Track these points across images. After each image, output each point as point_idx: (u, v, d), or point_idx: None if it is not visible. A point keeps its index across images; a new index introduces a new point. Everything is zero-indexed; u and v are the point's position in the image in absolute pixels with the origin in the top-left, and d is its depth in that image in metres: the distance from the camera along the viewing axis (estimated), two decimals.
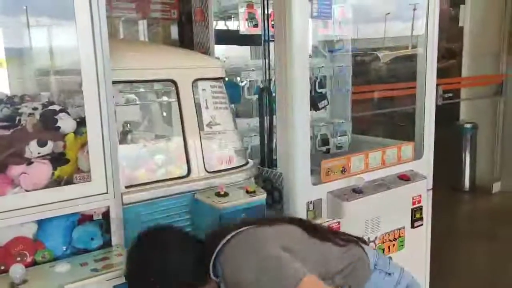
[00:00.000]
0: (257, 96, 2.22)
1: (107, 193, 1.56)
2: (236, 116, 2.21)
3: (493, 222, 4.11)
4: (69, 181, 1.49)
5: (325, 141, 2.66)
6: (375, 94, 3.93)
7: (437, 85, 2.55)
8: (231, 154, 1.92)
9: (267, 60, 2.07)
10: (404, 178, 2.22)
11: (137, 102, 1.96)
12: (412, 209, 2.27)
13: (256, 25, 2.50)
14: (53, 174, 1.47)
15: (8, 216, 1.38)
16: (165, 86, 2.00)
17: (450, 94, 4.51)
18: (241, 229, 1.28)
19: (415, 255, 2.33)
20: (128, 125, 1.88)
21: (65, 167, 1.49)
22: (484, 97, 4.90)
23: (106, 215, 1.57)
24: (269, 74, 2.07)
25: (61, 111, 1.53)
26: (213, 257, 1.23)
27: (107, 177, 1.55)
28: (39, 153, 1.44)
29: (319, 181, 1.97)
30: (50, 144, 1.46)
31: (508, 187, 4.82)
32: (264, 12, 2.09)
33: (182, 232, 1.45)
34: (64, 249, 1.49)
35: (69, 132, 1.51)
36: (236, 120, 2.06)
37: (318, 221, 1.84)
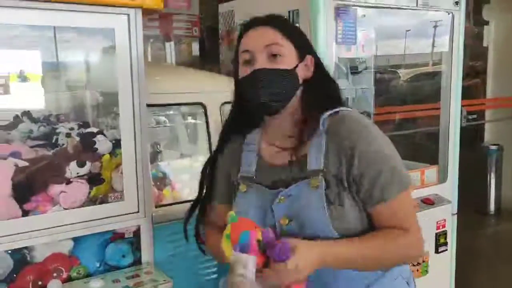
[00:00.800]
0: None
1: (138, 212, 1.62)
2: None
3: None
4: (104, 200, 1.57)
5: None
6: (397, 115, 3.93)
7: (461, 106, 2.55)
8: None
9: None
10: (428, 202, 2.23)
11: (167, 124, 2.04)
12: (436, 234, 2.26)
13: None
14: (89, 193, 1.54)
15: (48, 233, 1.45)
16: (193, 108, 2.08)
17: (474, 116, 4.46)
18: None
19: (440, 280, 2.31)
20: (158, 146, 1.95)
21: (100, 187, 1.56)
22: (510, 119, 4.83)
23: (136, 233, 1.63)
24: None
25: (98, 133, 1.61)
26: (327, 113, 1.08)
27: (139, 197, 1.61)
28: (78, 173, 1.52)
29: None
30: (88, 164, 1.54)
31: None
32: None
33: None
34: (98, 266, 1.55)
35: (105, 153, 1.59)
36: None
37: None
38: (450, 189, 2.39)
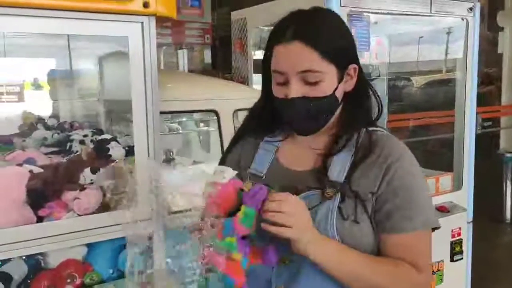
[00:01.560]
0: None
1: (151, 219, 1.62)
2: None
3: None
4: (117, 207, 1.57)
5: None
6: (410, 122, 3.89)
7: (477, 113, 2.52)
8: None
9: None
10: (443, 210, 2.20)
11: (180, 131, 2.05)
12: (451, 242, 2.23)
13: None
14: (103, 199, 1.55)
15: (62, 239, 1.45)
16: (206, 115, 2.09)
17: (490, 123, 4.40)
18: None
19: None
20: (171, 153, 1.96)
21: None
22: None
23: (149, 239, 1.63)
24: None
25: (112, 139, 1.63)
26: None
27: (151, 204, 1.61)
28: (91, 179, 1.53)
29: None
30: (101, 171, 1.54)
31: None
32: None
33: None
34: (111, 272, 1.55)
35: (118, 160, 1.59)
36: None
37: None
38: (465, 197, 2.36)
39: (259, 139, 1.12)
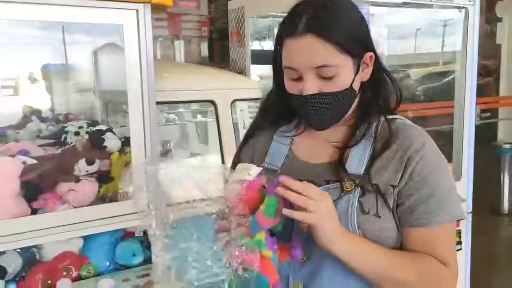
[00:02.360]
0: None
1: (146, 212, 1.60)
2: None
3: None
4: (113, 199, 1.54)
5: None
6: (409, 114, 3.88)
7: (476, 104, 2.50)
8: None
9: None
10: None
11: (177, 122, 2.02)
12: None
13: None
14: (98, 191, 1.52)
15: (57, 232, 1.43)
16: (203, 106, 2.06)
17: (488, 114, 4.39)
18: None
19: None
20: (168, 144, 1.93)
21: (110, 185, 1.54)
22: None
23: (147, 232, 1.61)
24: None
25: (107, 130, 1.60)
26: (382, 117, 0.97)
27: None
28: (87, 171, 1.50)
29: None
30: (97, 162, 1.52)
31: None
32: None
33: None
34: (108, 265, 1.54)
35: (114, 151, 1.57)
36: None
37: None
38: (464, 188, 2.34)
39: (273, 132, 1.06)
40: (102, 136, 1.56)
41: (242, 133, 1.91)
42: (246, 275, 0.81)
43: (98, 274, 1.51)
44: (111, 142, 1.56)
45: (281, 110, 1.03)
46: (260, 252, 0.81)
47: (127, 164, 1.59)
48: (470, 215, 2.35)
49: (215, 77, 2.02)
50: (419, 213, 0.89)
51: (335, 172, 0.93)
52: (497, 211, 4.73)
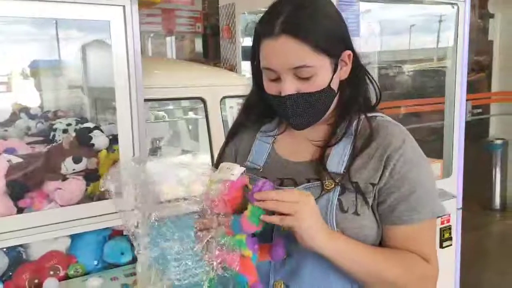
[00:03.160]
0: None
1: (134, 209, 1.59)
2: None
3: None
4: (101, 197, 1.53)
5: None
6: (401, 110, 3.89)
7: (466, 100, 2.50)
8: None
9: None
10: None
11: (166, 119, 2.00)
12: (440, 229, 2.22)
13: None
14: (86, 189, 1.51)
15: (43, 231, 1.42)
16: (193, 103, 2.05)
17: (479, 110, 4.41)
18: None
19: (444, 276, 2.26)
20: (158, 141, 1.92)
21: (97, 183, 1.53)
22: None
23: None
24: None
25: (95, 128, 1.58)
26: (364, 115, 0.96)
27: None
28: (74, 169, 1.49)
29: None
30: (84, 160, 1.51)
31: None
32: None
33: None
34: (96, 264, 1.52)
35: (102, 149, 1.56)
36: None
37: None
38: (455, 184, 2.35)
39: (256, 131, 1.06)
40: (90, 134, 1.55)
41: None
42: (226, 274, 0.80)
43: (86, 273, 1.50)
44: (99, 140, 1.55)
45: (262, 109, 1.03)
46: (240, 251, 0.81)
47: (115, 162, 1.58)
48: (461, 211, 2.36)
49: (205, 74, 2.00)
50: (400, 211, 0.89)
51: (316, 170, 0.93)
52: (489, 207, 4.76)
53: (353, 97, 0.96)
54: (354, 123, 0.94)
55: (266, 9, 0.92)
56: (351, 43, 0.94)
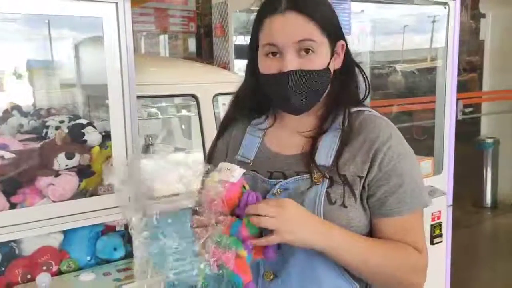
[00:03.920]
0: None
1: (127, 205, 1.60)
2: None
3: None
4: (94, 193, 1.54)
5: None
6: (393, 109, 3.92)
7: (458, 99, 2.53)
8: None
9: None
10: None
11: (159, 116, 2.01)
12: (431, 225, 2.25)
13: None
14: (79, 185, 1.52)
15: (36, 226, 1.42)
16: (186, 100, 2.06)
17: (471, 109, 4.46)
18: None
19: (435, 272, 2.30)
20: (150, 138, 1.93)
21: (90, 179, 1.54)
22: (506, 112, 4.83)
23: (128, 226, 1.61)
24: None
25: (88, 124, 1.59)
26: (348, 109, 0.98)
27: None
28: (66, 165, 1.49)
29: None
30: (77, 156, 1.51)
31: None
32: None
33: None
34: (88, 259, 1.53)
35: (95, 145, 1.56)
36: None
37: None
38: (445, 181, 2.38)
39: (246, 125, 1.07)
40: (82, 130, 1.55)
41: None
42: (220, 272, 0.81)
43: (79, 269, 1.50)
44: (91, 136, 1.56)
45: (253, 102, 1.04)
46: (236, 251, 0.82)
47: (108, 158, 1.59)
48: (451, 207, 2.39)
49: (197, 72, 2.02)
50: (390, 203, 0.91)
51: (305, 163, 0.94)
52: (480, 205, 4.81)
53: (343, 89, 0.98)
54: (342, 116, 0.96)
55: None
56: (344, 36, 0.97)
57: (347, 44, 0.98)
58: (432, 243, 2.26)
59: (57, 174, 1.49)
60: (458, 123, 2.54)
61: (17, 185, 1.44)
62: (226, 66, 2.46)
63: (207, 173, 0.89)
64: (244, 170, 0.88)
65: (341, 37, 0.96)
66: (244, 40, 2.84)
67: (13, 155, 1.43)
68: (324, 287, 0.91)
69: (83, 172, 1.54)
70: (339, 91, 0.98)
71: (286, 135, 1.02)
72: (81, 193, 1.53)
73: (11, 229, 1.39)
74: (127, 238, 1.61)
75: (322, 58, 0.92)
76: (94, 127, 1.61)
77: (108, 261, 1.56)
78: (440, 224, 2.29)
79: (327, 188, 0.91)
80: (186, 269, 0.86)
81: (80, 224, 1.51)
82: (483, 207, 4.81)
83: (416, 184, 0.94)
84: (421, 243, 0.94)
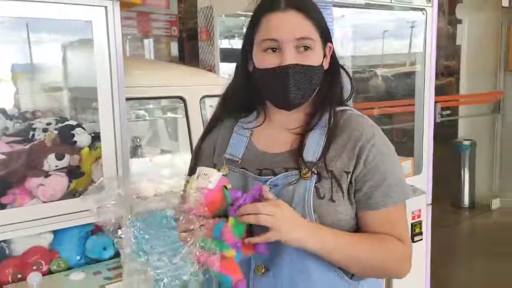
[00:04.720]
0: None
1: (117, 204, 1.62)
2: None
3: (492, 239, 4.14)
4: (83, 193, 1.55)
5: None
6: (374, 112, 4.02)
7: (436, 102, 2.62)
8: None
9: None
10: None
11: (147, 118, 2.04)
12: (412, 224, 2.33)
13: None
14: (68, 186, 1.54)
15: (26, 226, 1.44)
16: (173, 102, 2.09)
17: (449, 112, 4.59)
18: None
19: (415, 269, 2.34)
20: (138, 140, 1.95)
21: (80, 180, 1.56)
22: (482, 115, 4.98)
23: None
24: None
25: (77, 126, 1.61)
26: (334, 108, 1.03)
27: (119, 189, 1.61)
28: (56, 166, 1.51)
29: None
30: (67, 157, 1.53)
31: (507, 204, 4.86)
32: None
33: None
34: (78, 259, 1.55)
35: (84, 146, 1.58)
36: None
37: None
38: (425, 181, 2.46)
39: (233, 124, 1.10)
40: (72, 132, 1.57)
41: None
42: (207, 275, 0.84)
43: (68, 268, 1.52)
44: (81, 137, 1.58)
45: (241, 101, 1.08)
46: (222, 253, 0.84)
47: (97, 159, 1.61)
48: (431, 206, 2.47)
49: (185, 74, 2.05)
50: (376, 197, 0.97)
51: (294, 160, 0.99)
52: (458, 205, 4.94)
53: (330, 88, 1.04)
54: (327, 114, 1.02)
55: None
56: (331, 38, 1.04)
57: (333, 48, 1.04)
58: (412, 241, 2.33)
59: (47, 174, 1.50)
60: (437, 125, 2.63)
61: (7, 186, 1.45)
62: (211, 69, 2.50)
63: (187, 181, 0.92)
64: (221, 174, 0.91)
65: (330, 39, 1.03)
66: (229, 44, 2.89)
67: (3, 157, 1.45)
68: (313, 278, 0.96)
69: (73, 172, 1.56)
70: (327, 90, 1.04)
71: (275, 132, 1.06)
72: (70, 194, 1.55)
73: (1, 229, 1.40)
74: None
75: (317, 56, 0.98)
76: (83, 128, 1.63)
77: (97, 261, 1.58)
78: (420, 223, 2.36)
79: (315, 183, 0.96)
80: (170, 268, 0.88)
81: (70, 224, 1.52)
82: (461, 208, 4.94)
83: (398, 179, 1.00)
84: (405, 234, 1.01)
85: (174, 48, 4.95)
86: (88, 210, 1.53)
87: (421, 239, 2.39)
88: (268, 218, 0.86)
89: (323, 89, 1.03)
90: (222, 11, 2.50)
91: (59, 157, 1.51)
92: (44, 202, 1.48)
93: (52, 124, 1.80)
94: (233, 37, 2.88)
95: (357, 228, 1.00)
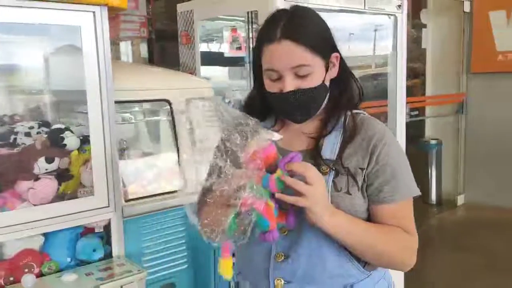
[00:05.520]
0: None
1: (108, 206, 1.65)
2: None
3: (458, 232, 4.35)
4: (73, 196, 1.58)
5: None
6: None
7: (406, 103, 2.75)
8: None
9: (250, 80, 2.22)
10: None
11: (133, 121, 2.06)
12: None
13: (239, 48, 2.66)
14: (58, 189, 1.55)
15: (17, 230, 1.44)
16: (159, 105, 2.12)
17: (416, 112, 4.77)
18: None
19: None
20: (125, 142, 1.97)
21: (69, 182, 1.57)
22: (447, 115, 5.21)
23: (107, 227, 1.66)
24: None
25: (66, 129, 1.62)
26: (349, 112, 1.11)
27: (109, 192, 1.64)
28: (46, 169, 1.52)
29: None
30: (56, 160, 1.54)
31: (471, 200, 5.10)
32: (248, 35, 2.25)
33: None
34: (69, 261, 1.56)
35: (73, 149, 1.60)
36: None
37: None
38: None
39: None
40: (61, 135, 1.59)
41: (197, 130, 1.99)
42: (248, 215, 0.91)
43: (59, 270, 1.53)
44: (70, 141, 1.59)
45: (260, 107, 1.16)
46: (266, 200, 0.93)
47: (86, 162, 1.63)
48: None
49: (169, 77, 2.09)
50: (386, 191, 1.06)
51: (312, 158, 1.08)
52: (426, 202, 5.14)
53: (341, 95, 1.12)
54: (342, 118, 1.11)
55: (265, 20, 1.07)
56: (337, 46, 1.11)
57: (341, 55, 1.11)
58: None
59: (36, 178, 1.51)
60: (405, 125, 2.76)
61: None
62: (192, 72, 2.54)
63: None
64: (281, 136, 0.99)
65: (334, 49, 1.10)
66: (207, 47, 2.93)
67: None
68: (327, 265, 1.05)
69: (62, 175, 1.57)
70: (338, 97, 1.12)
71: (292, 135, 1.14)
72: (60, 196, 1.56)
73: None
74: (105, 239, 1.66)
75: (317, 76, 1.05)
76: (71, 131, 1.64)
77: (87, 262, 1.60)
78: None
79: (333, 178, 1.05)
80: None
81: (61, 226, 1.54)
82: (429, 204, 5.14)
83: (406, 176, 1.10)
84: (412, 228, 1.10)
85: (144, 49, 4.93)
86: (77, 212, 1.56)
87: None
88: (304, 185, 0.94)
89: (335, 95, 1.12)
90: (202, 15, 2.54)
91: (49, 161, 1.52)
92: (34, 205, 1.49)
93: (35, 128, 1.79)
94: (211, 41, 2.93)
95: (370, 221, 1.08)
